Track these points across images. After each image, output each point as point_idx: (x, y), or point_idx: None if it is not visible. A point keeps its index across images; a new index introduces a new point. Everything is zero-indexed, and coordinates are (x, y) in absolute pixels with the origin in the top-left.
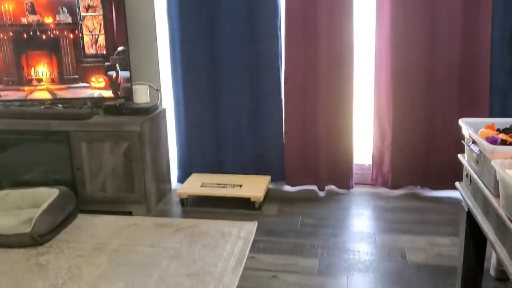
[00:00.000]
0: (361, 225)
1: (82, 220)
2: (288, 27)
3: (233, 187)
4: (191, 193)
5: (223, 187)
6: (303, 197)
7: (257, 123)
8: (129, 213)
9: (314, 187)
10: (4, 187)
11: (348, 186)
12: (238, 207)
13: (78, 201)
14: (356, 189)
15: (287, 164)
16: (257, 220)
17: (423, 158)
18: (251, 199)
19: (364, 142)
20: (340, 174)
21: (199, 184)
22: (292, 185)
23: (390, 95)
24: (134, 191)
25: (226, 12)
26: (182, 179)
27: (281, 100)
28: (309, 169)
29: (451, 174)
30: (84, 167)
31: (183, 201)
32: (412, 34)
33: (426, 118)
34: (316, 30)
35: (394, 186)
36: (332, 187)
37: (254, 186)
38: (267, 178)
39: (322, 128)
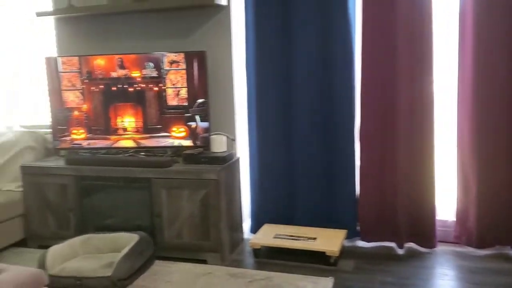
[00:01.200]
0: (445, 287)
1: (159, 266)
2: (364, 73)
3: (307, 239)
4: (264, 243)
5: (297, 239)
6: (380, 254)
7: (330, 175)
8: (203, 261)
9: (392, 244)
10: (88, 231)
11: (431, 244)
12: (312, 261)
13: (156, 247)
14: (439, 247)
15: (361, 218)
16: (333, 276)
17: None
18: (326, 253)
19: (446, 196)
20: (421, 231)
21: (272, 235)
22: (368, 241)
23: (474, 145)
24: (209, 239)
25: (302, 66)
26: (254, 229)
27: (354, 152)
28: (386, 224)
29: None
30: (163, 213)
31: (256, 252)
32: (496, 81)
33: None
34: (394, 75)
35: (480, 245)
36: (412, 244)
37: (329, 240)
38: (342, 232)
39: (401, 180)
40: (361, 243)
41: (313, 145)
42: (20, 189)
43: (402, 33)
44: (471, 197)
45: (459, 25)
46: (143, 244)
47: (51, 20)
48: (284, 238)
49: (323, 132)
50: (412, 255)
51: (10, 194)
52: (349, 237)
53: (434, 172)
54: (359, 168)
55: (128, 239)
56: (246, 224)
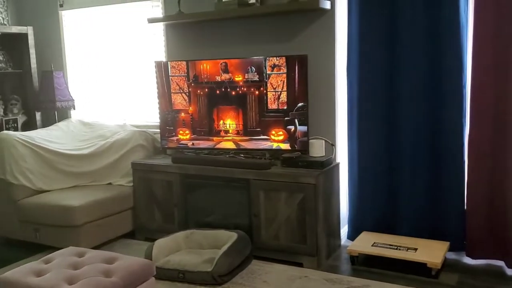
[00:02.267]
0: None
1: (256, 265)
2: (474, 83)
3: (407, 250)
4: (362, 251)
5: (396, 248)
6: (487, 271)
7: (435, 184)
8: (299, 264)
9: (501, 263)
10: (190, 227)
11: None
12: (412, 272)
13: (253, 246)
14: None
15: (469, 232)
16: None
17: None
18: (428, 265)
19: None
20: None
21: (370, 243)
22: (473, 257)
23: None
24: (306, 243)
25: (406, 72)
26: (351, 236)
27: (464, 161)
28: (496, 240)
29: None
30: (261, 214)
31: (353, 259)
32: None
33: None
34: (508, 86)
35: None
36: None
37: (430, 251)
38: (445, 245)
39: None
40: (466, 259)
41: (418, 152)
42: (130, 184)
43: None
44: None
45: None
46: (242, 242)
47: (161, 26)
48: (383, 247)
49: (430, 139)
50: None
51: (121, 188)
52: (453, 250)
53: None
54: (467, 178)
55: (228, 237)
56: (344, 230)
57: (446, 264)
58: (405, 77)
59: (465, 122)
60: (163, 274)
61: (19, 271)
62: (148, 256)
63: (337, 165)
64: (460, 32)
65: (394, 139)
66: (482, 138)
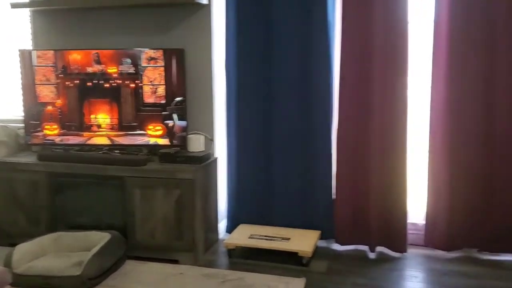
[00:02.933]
0: None
1: (130, 266)
2: (342, 82)
3: (281, 240)
4: (238, 244)
5: (271, 239)
6: (353, 256)
7: (306, 177)
8: (176, 261)
9: (365, 248)
10: (59, 229)
11: (401, 249)
12: (286, 261)
13: (127, 246)
14: (409, 250)
15: (337, 221)
16: (305, 276)
17: (482, 219)
18: (299, 254)
19: (418, 200)
20: (393, 236)
21: (247, 235)
22: (342, 244)
23: (446, 152)
24: (183, 239)
25: (282, 69)
26: (230, 229)
27: (331, 155)
28: (360, 227)
29: None
30: (136, 213)
31: (230, 252)
32: (470, 92)
33: (486, 177)
34: (370, 83)
35: (449, 248)
36: (384, 248)
37: (302, 241)
38: (316, 233)
39: (374, 184)
40: (335, 246)
41: (292, 147)
42: None
43: (378, 40)
44: (442, 201)
45: (434, 32)
46: (115, 243)
47: (27, 12)
48: (259, 239)
49: (302, 135)
50: (383, 258)
51: None
52: (324, 238)
53: (407, 176)
54: (335, 171)
55: (100, 238)
56: (223, 224)
57: (317, 252)
58: (281, 73)
59: (332, 117)
60: (24, 281)
61: None
62: (8, 262)
63: (215, 160)
64: (328, 30)
65: (269, 134)
66: (347, 134)
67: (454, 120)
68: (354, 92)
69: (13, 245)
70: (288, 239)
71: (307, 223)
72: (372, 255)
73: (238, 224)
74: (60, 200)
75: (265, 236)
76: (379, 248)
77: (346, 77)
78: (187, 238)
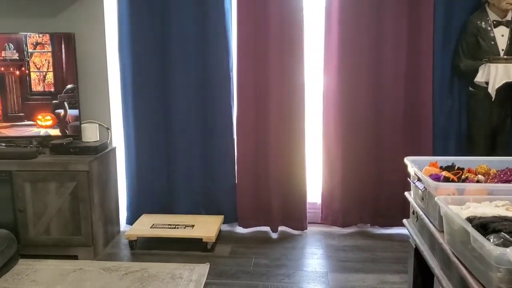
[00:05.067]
0: (313, 265)
1: (23, 265)
2: (240, 67)
3: (184, 227)
4: (140, 234)
5: (175, 227)
6: (256, 238)
7: (208, 163)
8: (75, 257)
9: (267, 228)
10: None
11: (301, 227)
12: (190, 248)
13: (19, 245)
14: (308, 228)
15: (239, 205)
16: (209, 261)
17: (372, 196)
18: (203, 240)
19: (316, 181)
20: (293, 215)
21: (149, 225)
22: (245, 227)
23: (338, 134)
24: (80, 233)
25: (178, 51)
26: (131, 220)
27: (233, 140)
28: (261, 210)
29: (400, 211)
30: (27, 208)
31: (132, 244)
32: (359, 78)
33: (374, 157)
34: (268, 70)
35: (344, 225)
36: (285, 228)
37: (206, 227)
38: (219, 218)
39: (274, 168)
40: (239, 229)
41: (193, 134)
42: None
43: (275, 29)
44: (336, 181)
45: (325, 21)
46: (4, 242)
47: None
48: (162, 228)
49: (202, 120)
50: (284, 238)
51: None
52: (228, 222)
53: (305, 159)
54: (236, 156)
55: None
56: (123, 216)
57: (221, 237)
58: (177, 58)
59: (232, 103)
60: None
61: None
62: None
63: (113, 149)
64: (225, 18)
65: (169, 121)
66: (247, 120)
67: (345, 104)
68: (253, 81)
69: None
70: (192, 226)
71: (210, 209)
72: (274, 235)
73: (139, 215)
74: None
75: (169, 224)
76: (281, 228)
77: (244, 65)
78: (85, 232)
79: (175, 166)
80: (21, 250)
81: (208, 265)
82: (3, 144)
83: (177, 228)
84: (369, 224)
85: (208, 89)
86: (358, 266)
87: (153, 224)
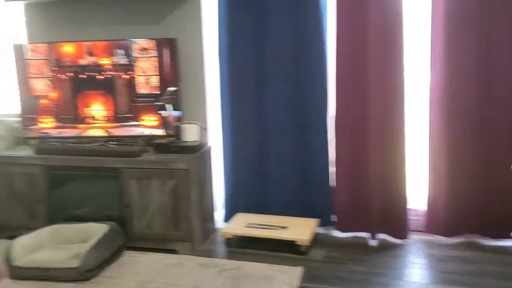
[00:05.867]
0: (414, 275)
1: (128, 257)
2: (337, 65)
3: (278, 229)
4: (236, 233)
5: (268, 228)
6: (353, 244)
7: (303, 164)
8: (174, 251)
9: (366, 234)
10: (58, 221)
11: (402, 235)
12: (283, 250)
13: (126, 237)
14: (409, 236)
15: (336, 207)
16: (303, 265)
17: (482, 204)
18: (297, 242)
19: (418, 186)
20: (394, 222)
21: (244, 224)
22: (342, 231)
23: (445, 137)
24: (179, 229)
25: (274, 52)
26: (227, 218)
27: (327, 140)
28: (360, 214)
29: None
30: (133, 204)
31: (228, 241)
32: (468, 74)
33: (485, 160)
34: (366, 67)
35: (449, 234)
36: (385, 235)
37: (300, 229)
38: (314, 221)
39: (373, 170)
40: (335, 233)
41: (287, 134)
42: None
43: (373, 22)
44: (442, 186)
45: (431, 14)
46: (112, 234)
47: (21, 6)
48: (256, 227)
49: (297, 121)
50: (384, 245)
51: None
52: (323, 225)
53: (405, 161)
54: (335, 155)
55: (98, 230)
56: (219, 213)
57: (316, 240)
58: (274, 60)
59: (327, 101)
60: (24, 274)
61: None
62: (8, 255)
63: (210, 149)
64: (321, 17)
65: (265, 122)
66: (345, 120)
67: (453, 103)
68: (352, 78)
69: (12, 237)
70: (286, 227)
71: (305, 211)
72: (373, 242)
73: (235, 213)
74: (58, 193)
75: (263, 224)
76: (380, 235)
77: (342, 63)
78: (184, 228)
79: (269, 166)
80: (127, 243)
81: (301, 269)
82: (113, 143)
83: (271, 229)
84: (478, 235)
85: (303, 89)
86: (462, 279)
87: (248, 224)
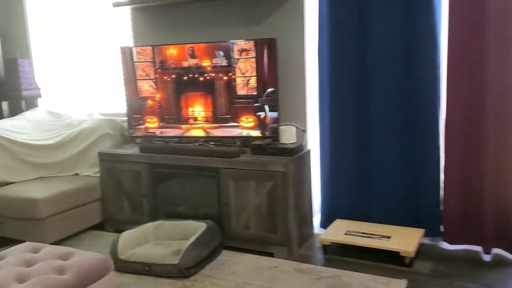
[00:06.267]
0: None
1: (225, 256)
2: (450, 66)
3: (380, 238)
4: (334, 240)
5: (369, 237)
6: (463, 258)
7: (410, 170)
8: (270, 254)
9: (478, 248)
10: (159, 217)
11: None
12: (385, 261)
13: (223, 236)
14: None
15: (445, 218)
16: (407, 278)
17: None
18: (401, 254)
19: None
20: (511, 236)
21: (343, 231)
22: (451, 243)
23: None
24: (276, 232)
25: (379, 51)
26: (324, 224)
27: (439, 146)
28: (472, 226)
29: None
30: (231, 203)
31: (326, 248)
32: None
33: None
34: (482, 70)
35: None
36: (500, 250)
37: (404, 239)
38: (419, 232)
39: (488, 178)
40: (443, 245)
41: (392, 137)
42: (98, 174)
43: (491, 19)
44: None
45: None
46: (211, 233)
47: (127, 10)
48: (356, 235)
49: (404, 123)
50: (499, 261)
51: (88, 179)
52: (429, 236)
53: None
54: (443, 163)
55: (197, 227)
56: (317, 218)
57: (422, 251)
58: (377, 60)
59: (439, 105)
60: (128, 267)
61: None
62: (114, 249)
63: (308, 152)
64: (434, 15)
65: (366, 125)
66: (458, 124)
67: None
68: (465, 81)
69: (120, 231)
70: (389, 237)
71: (408, 220)
72: (486, 258)
73: (332, 219)
74: (160, 190)
75: (363, 233)
76: (495, 250)
77: (455, 63)
78: (281, 231)
79: (371, 171)
80: (224, 242)
81: (406, 282)
82: (212, 143)
83: (372, 237)
84: None
85: (411, 89)
86: None
87: (347, 231)
